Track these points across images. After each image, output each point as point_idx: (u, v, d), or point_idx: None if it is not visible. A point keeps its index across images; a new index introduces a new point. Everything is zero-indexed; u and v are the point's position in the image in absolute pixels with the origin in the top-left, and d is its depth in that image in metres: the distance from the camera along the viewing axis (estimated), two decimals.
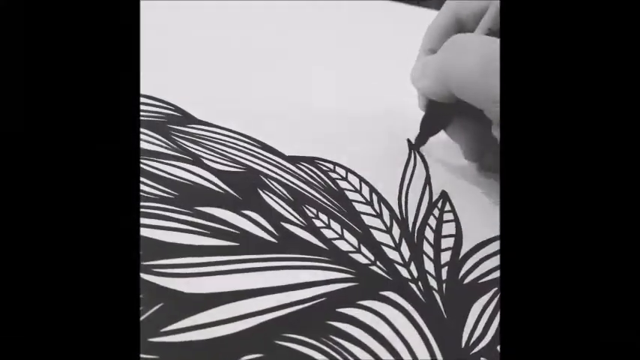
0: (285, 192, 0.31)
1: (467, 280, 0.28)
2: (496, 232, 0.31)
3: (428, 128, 0.36)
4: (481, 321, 0.26)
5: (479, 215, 0.32)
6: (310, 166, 0.33)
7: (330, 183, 0.32)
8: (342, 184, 0.32)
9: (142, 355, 0.23)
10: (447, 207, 0.32)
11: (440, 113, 0.35)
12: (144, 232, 0.27)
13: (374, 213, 0.31)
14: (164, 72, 0.37)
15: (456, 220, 0.31)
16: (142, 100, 0.35)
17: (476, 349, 0.25)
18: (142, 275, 0.25)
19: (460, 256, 0.29)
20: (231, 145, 0.33)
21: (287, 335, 0.24)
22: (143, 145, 0.32)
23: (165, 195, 0.29)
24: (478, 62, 0.28)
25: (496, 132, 0.30)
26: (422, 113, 0.36)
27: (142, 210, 0.28)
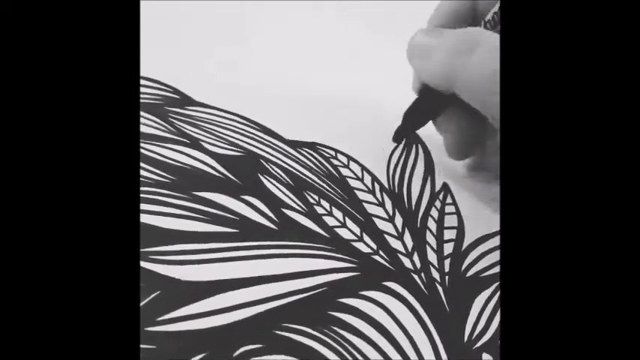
0: (285, 177, 0.30)
1: (469, 274, 0.28)
2: (497, 226, 0.30)
3: (416, 118, 0.33)
4: (483, 315, 0.26)
5: (481, 209, 0.32)
6: (311, 151, 0.32)
7: (331, 169, 0.32)
8: (344, 171, 0.32)
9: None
10: (449, 199, 0.32)
11: (435, 102, 0.31)
12: (140, 217, 0.26)
13: (376, 202, 0.30)
14: (162, 53, 0.36)
15: (458, 212, 0.31)
16: (140, 82, 0.34)
17: (478, 344, 0.25)
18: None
19: (462, 249, 0.29)
20: (230, 127, 0.33)
21: (287, 325, 0.24)
22: (140, 127, 0.31)
23: (162, 179, 0.29)
24: (493, 72, 0.26)
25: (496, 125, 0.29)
26: None
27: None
